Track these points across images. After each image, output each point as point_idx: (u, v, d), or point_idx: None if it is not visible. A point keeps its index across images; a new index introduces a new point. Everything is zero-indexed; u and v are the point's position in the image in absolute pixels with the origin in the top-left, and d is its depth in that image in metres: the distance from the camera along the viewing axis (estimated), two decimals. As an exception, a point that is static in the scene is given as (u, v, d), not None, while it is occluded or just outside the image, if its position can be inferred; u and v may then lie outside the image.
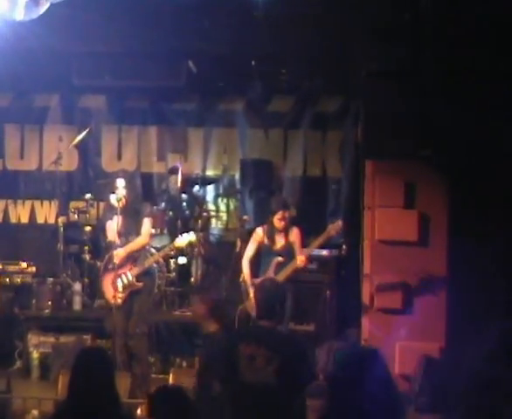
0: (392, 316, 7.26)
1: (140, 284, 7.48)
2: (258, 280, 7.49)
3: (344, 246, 8.73)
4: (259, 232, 7.78)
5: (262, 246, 7.74)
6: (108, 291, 7.57)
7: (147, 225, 7.56)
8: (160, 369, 8.38)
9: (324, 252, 8.75)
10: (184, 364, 8.55)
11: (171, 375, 7.16)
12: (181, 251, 9.33)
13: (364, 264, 7.49)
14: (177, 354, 8.60)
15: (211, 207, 10.40)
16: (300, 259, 7.48)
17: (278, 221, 7.62)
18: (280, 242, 7.68)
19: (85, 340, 8.36)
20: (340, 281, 8.69)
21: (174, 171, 9.92)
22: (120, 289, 7.39)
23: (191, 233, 7.81)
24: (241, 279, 7.86)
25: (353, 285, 7.84)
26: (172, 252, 9.22)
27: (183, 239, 7.77)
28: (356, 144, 8.94)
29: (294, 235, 7.66)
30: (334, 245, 8.79)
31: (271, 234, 7.69)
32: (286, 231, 7.66)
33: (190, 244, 8.35)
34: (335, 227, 7.51)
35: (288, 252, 7.63)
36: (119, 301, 7.35)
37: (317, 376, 5.56)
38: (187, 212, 9.76)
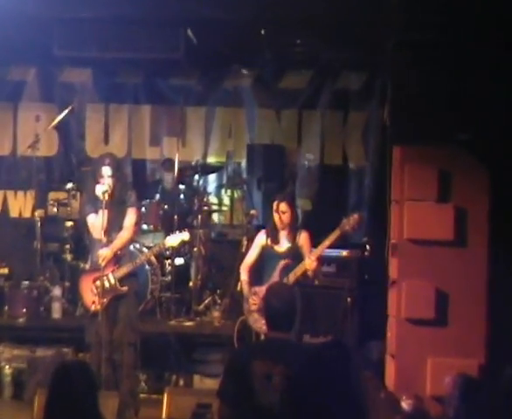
0: (423, 328, 7.24)
1: (124, 288, 7.47)
2: (261, 288, 7.51)
3: (368, 246, 8.78)
4: (262, 236, 7.81)
5: (265, 249, 7.77)
6: (87, 296, 7.58)
7: (130, 217, 7.53)
8: (153, 388, 8.41)
9: (344, 253, 8.79)
10: (181, 382, 8.59)
11: (166, 395, 7.14)
12: (177, 251, 9.37)
13: (391, 267, 7.44)
14: (173, 371, 8.63)
15: (213, 200, 10.45)
16: (309, 262, 7.47)
17: (274, 214, 7.64)
18: (285, 244, 7.70)
19: (65, 354, 8.38)
20: (363, 287, 8.70)
21: (167, 166, 9.91)
22: (100, 294, 7.38)
23: (185, 232, 7.79)
24: (238, 288, 7.88)
25: (378, 292, 7.82)
26: (166, 252, 9.24)
27: (175, 238, 7.76)
28: (383, 127, 8.89)
29: (303, 239, 7.69)
30: (355, 245, 8.87)
31: (273, 233, 7.70)
32: (292, 233, 7.65)
33: (184, 244, 8.35)
34: (350, 222, 7.49)
35: (295, 256, 7.66)
36: (98, 308, 7.34)
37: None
38: (185, 206, 9.78)
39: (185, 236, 7.79)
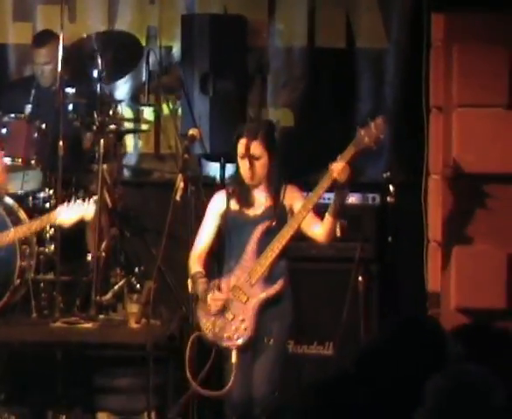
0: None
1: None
2: (222, 281, 7.53)
3: (391, 187, 8.83)
4: (220, 200, 7.74)
5: (230, 219, 7.70)
6: None
7: None
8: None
9: (352, 199, 8.73)
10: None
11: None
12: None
13: (431, 222, 7.57)
14: (62, 407, 8.73)
15: (126, 113, 10.50)
16: (338, 167, 7.21)
17: (240, 161, 7.53)
18: (261, 203, 7.63)
19: None
20: (384, 257, 8.78)
21: (43, 42, 9.89)
22: None
23: (90, 204, 7.65)
24: (190, 290, 7.82)
25: (410, 265, 7.98)
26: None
27: (71, 212, 7.73)
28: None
29: (291, 194, 7.61)
30: (371, 186, 8.97)
31: (244, 193, 7.61)
32: (271, 187, 7.58)
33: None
34: (371, 131, 7.27)
35: (280, 215, 7.58)
36: None
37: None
38: (76, 123, 9.72)
39: (88, 211, 7.68)
